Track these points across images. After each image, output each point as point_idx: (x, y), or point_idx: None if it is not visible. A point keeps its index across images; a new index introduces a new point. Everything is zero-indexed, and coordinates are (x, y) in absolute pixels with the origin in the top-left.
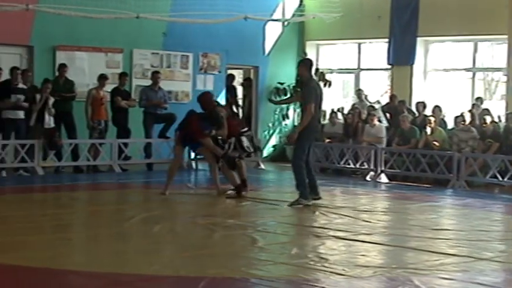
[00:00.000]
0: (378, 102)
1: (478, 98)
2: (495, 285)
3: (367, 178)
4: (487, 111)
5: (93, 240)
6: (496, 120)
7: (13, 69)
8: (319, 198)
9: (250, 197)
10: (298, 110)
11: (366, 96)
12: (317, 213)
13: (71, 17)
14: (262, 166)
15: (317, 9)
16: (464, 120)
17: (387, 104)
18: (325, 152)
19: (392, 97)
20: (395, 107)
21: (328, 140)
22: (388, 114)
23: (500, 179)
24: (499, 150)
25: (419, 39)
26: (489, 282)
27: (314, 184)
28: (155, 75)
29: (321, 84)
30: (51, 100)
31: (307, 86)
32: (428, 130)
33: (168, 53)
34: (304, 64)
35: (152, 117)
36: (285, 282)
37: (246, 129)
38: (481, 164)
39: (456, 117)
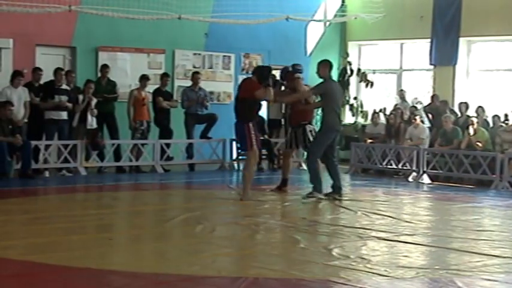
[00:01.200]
0: (420, 102)
1: None
2: None
3: (409, 179)
4: None
5: (135, 240)
6: None
7: (57, 70)
8: (341, 199)
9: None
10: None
11: (413, 98)
12: (359, 213)
13: (113, 17)
14: (304, 167)
15: (359, 10)
16: (507, 119)
17: (429, 104)
18: (367, 153)
19: (433, 97)
20: (436, 107)
21: (370, 141)
22: (430, 115)
23: None
24: None
25: (461, 39)
26: None
27: (338, 185)
28: (195, 76)
29: (363, 84)
30: (94, 101)
31: (325, 84)
32: (471, 131)
33: (210, 54)
34: (325, 65)
35: (193, 118)
36: (326, 282)
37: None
38: None
39: (494, 117)
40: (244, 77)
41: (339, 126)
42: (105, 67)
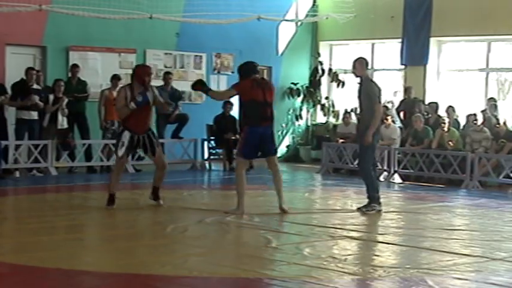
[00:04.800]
0: (391, 102)
1: (491, 99)
2: (509, 285)
3: (381, 178)
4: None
5: (106, 241)
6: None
7: (28, 70)
8: (380, 210)
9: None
10: (311, 110)
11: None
12: (330, 213)
13: (83, 17)
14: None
15: (330, 10)
16: (476, 120)
17: (403, 100)
18: (339, 153)
19: (407, 91)
20: (412, 102)
21: (341, 141)
22: (402, 114)
23: None
24: None
25: (432, 39)
26: (503, 282)
27: (377, 196)
28: (167, 76)
29: (334, 84)
30: (65, 101)
31: (369, 85)
32: (445, 128)
33: (181, 54)
34: (362, 62)
35: (165, 118)
36: (297, 282)
37: None
38: (494, 164)
39: (468, 116)
40: (216, 77)
41: (380, 127)
42: (75, 66)
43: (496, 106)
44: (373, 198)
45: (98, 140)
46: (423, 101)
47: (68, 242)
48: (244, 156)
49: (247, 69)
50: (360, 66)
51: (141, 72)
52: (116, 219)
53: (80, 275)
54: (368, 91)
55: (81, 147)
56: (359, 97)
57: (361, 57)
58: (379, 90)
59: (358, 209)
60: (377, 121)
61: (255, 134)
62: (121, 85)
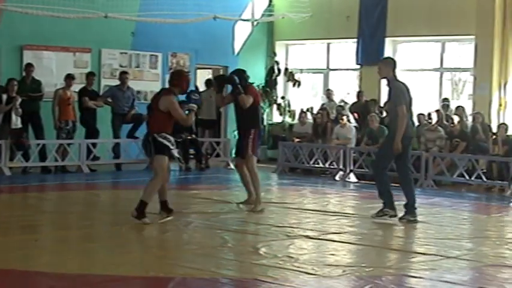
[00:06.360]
0: (344, 101)
1: (445, 99)
2: (462, 283)
3: (336, 178)
4: (461, 109)
5: (61, 241)
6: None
7: None
8: (416, 220)
9: (220, 199)
10: (267, 110)
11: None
12: (286, 212)
13: (38, 16)
14: (232, 166)
15: (286, 9)
16: (430, 119)
17: (355, 103)
18: (295, 152)
19: (359, 95)
20: (363, 105)
21: (297, 140)
22: (356, 114)
23: (467, 178)
24: (466, 150)
25: (387, 39)
26: (456, 280)
27: (412, 204)
28: (123, 76)
29: (290, 84)
30: (19, 100)
31: (394, 87)
32: None
33: (136, 53)
34: (387, 63)
35: (120, 118)
36: (254, 282)
37: None
38: (449, 164)
39: (418, 115)
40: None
41: (412, 132)
42: (29, 66)
43: (448, 106)
44: (387, 203)
45: (53, 140)
46: (377, 101)
47: (22, 242)
48: (256, 155)
49: (245, 77)
50: (384, 66)
51: (186, 79)
52: (71, 220)
53: (35, 276)
54: (392, 93)
55: (35, 147)
56: (388, 101)
57: (387, 57)
58: (406, 91)
59: (372, 217)
60: (402, 125)
61: (260, 135)
62: (173, 96)
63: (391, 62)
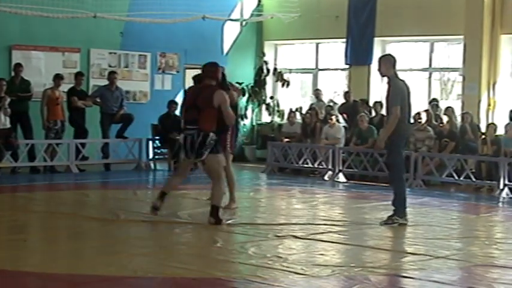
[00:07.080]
0: (333, 101)
1: (434, 100)
2: (451, 283)
3: (325, 178)
4: (451, 110)
5: (50, 241)
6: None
7: None
8: (406, 223)
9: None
10: (256, 110)
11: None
12: (275, 213)
13: (26, 16)
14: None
15: (275, 9)
16: (420, 119)
17: (343, 103)
18: (284, 152)
19: (347, 95)
20: (351, 106)
21: (286, 140)
22: (345, 115)
23: (456, 178)
24: (455, 150)
25: (376, 39)
26: (446, 280)
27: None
28: (112, 76)
29: (279, 84)
30: (7, 100)
31: (393, 85)
32: None
33: (125, 53)
34: (387, 60)
35: (109, 118)
36: (243, 281)
37: None
38: (438, 163)
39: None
40: (160, 76)
41: (407, 130)
42: (18, 66)
43: (437, 106)
44: (397, 210)
45: (41, 140)
46: (367, 101)
47: (11, 243)
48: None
49: (224, 77)
50: (385, 64)
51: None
52: (60, 220)
53: (24, 276)
54: (389, 92)
55: (24, 147)
56: (386, 99)
57: (387, 55)
58: (405, 89)
59: (381, 224)
60: (392, 125)
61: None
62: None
63: (391, 59)
